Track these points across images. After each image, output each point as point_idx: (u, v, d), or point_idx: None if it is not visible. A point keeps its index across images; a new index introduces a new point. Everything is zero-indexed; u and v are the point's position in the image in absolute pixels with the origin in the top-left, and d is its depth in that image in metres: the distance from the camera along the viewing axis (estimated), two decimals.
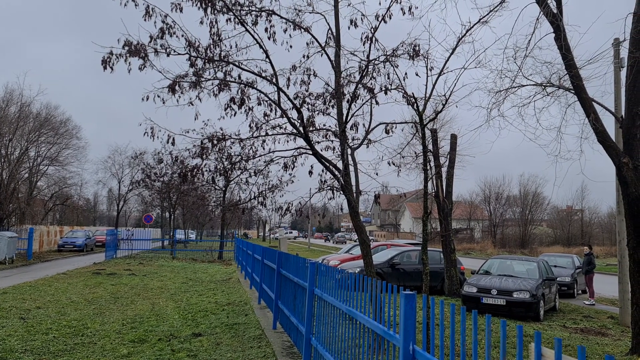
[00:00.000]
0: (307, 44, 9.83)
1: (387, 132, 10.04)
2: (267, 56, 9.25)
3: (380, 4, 9.28)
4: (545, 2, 8.20)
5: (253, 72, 9.30)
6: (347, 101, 9.77)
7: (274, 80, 9.31)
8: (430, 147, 13.44)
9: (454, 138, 18.56)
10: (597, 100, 8.76)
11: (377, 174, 10.05)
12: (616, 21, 8.35)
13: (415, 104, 9.00)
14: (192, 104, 9.27)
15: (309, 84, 10.02)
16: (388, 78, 9.72)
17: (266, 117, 9.85)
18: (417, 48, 9.28)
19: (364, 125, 10.16)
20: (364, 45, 9.56)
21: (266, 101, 9.65)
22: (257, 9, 9.27)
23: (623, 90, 8.97)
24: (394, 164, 10.27)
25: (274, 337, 9.27)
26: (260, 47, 9.21)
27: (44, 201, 43.61)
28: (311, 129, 10.04)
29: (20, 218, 33.92)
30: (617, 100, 12.91)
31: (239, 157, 10.65)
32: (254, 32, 9.17)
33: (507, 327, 2.74)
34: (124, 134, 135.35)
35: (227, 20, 9.08)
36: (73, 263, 26.67)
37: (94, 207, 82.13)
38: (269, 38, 9.48)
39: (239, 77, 9.51)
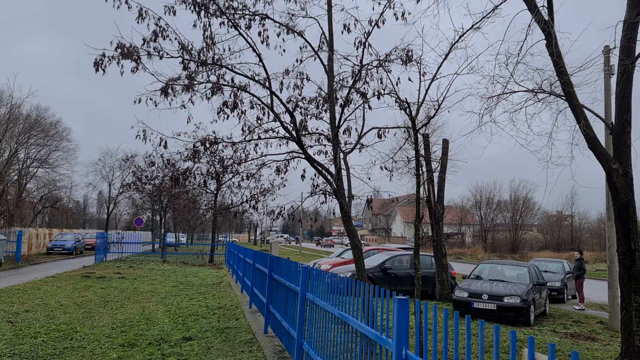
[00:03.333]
0: (300, 48, 9.83)
1: (379, 136, 10.07)
2: (261, 60, 9.24)
3: (373, 9, 9.32)
4: (537, 9, 8.26)
5: (246, 76, 9.29)
6: (340, 105, 9.78)
7: (267, 84, 9.30)
8: (422, 152, 13.48)
9: (445, 143, 18.65)
10: (587, 107, 8.82)
11: (369, 179, 10.08)
12: (606, 28, 8.44)
13: (407, 109, 9.04)
14: (185, 107, 9.23)
15: (302, 88, 10.03)
16: (381, 83, 9.76)
17: (259, 121, 9.84)
18: (410, 53, 9.33)
19: (356, 129, 10.18)
20: (357, 50, 9.59)
21: (259, 105, 9.65)
22: (250, 13, 9.26)
23: (613, 97, 9.05)
24: (386, 169, 10.31)
25: (265, 341, 9.23)
26: (254, 50, 9.20)
27: (33, 203, 43.29)
28: (304, 133, 10.04)
29: (9, 220, 33.63)
30: (607, 107, 13.03)
31: (231, 160, 10.64)
32: (247, 35, 9.17)
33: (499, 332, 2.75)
34: (110, 135, 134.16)
35: (220, 24, 9.08)
36: (62, 266, 26.44)
37: (84, 210, 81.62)
38: (262, 42, 9.48)
39: (232, 80, 9.49)
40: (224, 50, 9.28)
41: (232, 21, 9.00)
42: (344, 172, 9.68)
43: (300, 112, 10.12)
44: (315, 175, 9.86)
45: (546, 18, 8.29)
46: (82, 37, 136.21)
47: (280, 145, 10.16)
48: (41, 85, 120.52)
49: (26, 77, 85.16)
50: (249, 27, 9.26)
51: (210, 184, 30.22)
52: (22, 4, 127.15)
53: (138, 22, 8.61)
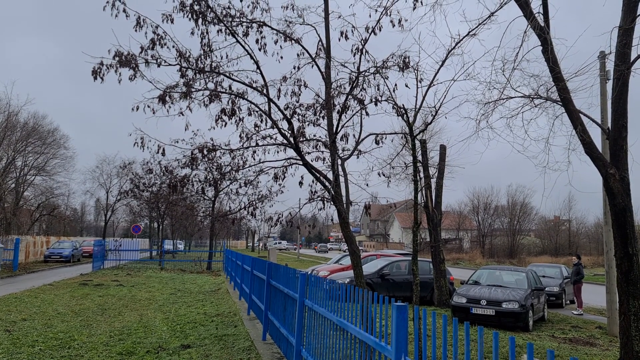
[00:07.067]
0: (298, 55, 9.87)
1: (377, 142, 10.08)
2: (258, 67, 9.27)
3: (370, 16, 9.37)
4: (533, 15, 8.31)
5: (244, 83, 9.31)
6: (338, 112, 9.80)
7: (264, 91, 9.32)
8: (419, 157, 13.51)
9: (443, 149, 18.68)
10: (584, 112, 8.85)
11: (367, 185, 10.08)
12: (602, 34, 8.47)
13: (405, 115, 9.06)
14: (183, 114, 9.24)
15: (299, 95, 10.06)
16: (378, 89, 9.78)
17: (257, 128, 9.86)
18: (407, 60, 9.36)
19: (354, 136, 10.20)
20: (354, 56, 9.62)
21: (257, 112, 9.66)
22: (248, 21, 9.30)
23: (609, 102, 9.09)
24: (383, 175, 10.31)
25: (264, 348, 9.21)
26: (251, 58, 9.23)
27: (30, 211, 43.14)
28: (301, 139, 10.06)
29: (6, 228, 33.53)
30: (603, 112, 13.09)
31: (229, 167, 10.64)
32: (245, 43, 9.20)
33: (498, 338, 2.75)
34: (102, 139, 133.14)
35: (218, 31, 9.10)
36: (60, 274, 26.33)
37: (81, 218, 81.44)
38: (259, 49, 9.51)
39: (230, 87, 9.51)
40: (222, 58, 9.32)
41: (230, 29, 9.03)
42: (341, 179, 9.69)
43: (298, 119, 10.15)
44: (313, 181, 9.87)
45: (542, 24, 8.33)
46: (71, 40, 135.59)
47: (278, 152, 10.17)
48: (32, 89, 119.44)
49: (18, 81, 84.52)
50: (246, 34, 9.29)
51: (208, 190, 30.22)
52: (10, 5, 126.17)
53: (136, 30, 8.64)
